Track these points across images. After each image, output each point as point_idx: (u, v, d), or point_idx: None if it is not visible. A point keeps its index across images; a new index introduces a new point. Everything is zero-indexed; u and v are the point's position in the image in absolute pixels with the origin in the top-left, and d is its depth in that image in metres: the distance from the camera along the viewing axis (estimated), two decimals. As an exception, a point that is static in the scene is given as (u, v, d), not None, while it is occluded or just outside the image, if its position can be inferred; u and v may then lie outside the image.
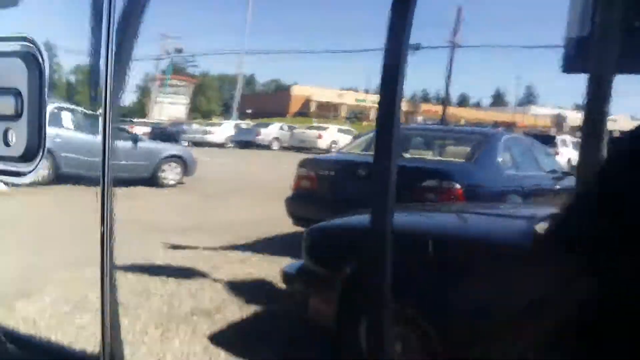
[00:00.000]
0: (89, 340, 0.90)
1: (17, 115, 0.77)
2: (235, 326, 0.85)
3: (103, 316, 0.86)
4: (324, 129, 0.82)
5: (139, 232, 0.95)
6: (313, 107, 0.82)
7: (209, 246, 0.88)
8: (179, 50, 0.84)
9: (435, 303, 0.75)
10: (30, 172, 0.81)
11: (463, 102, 0.81)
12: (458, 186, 0.81)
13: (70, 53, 0.86)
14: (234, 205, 0.89)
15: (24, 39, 0.77)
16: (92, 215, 0.82)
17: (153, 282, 0.94)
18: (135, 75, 0.82)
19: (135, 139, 0.92)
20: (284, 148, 0.83)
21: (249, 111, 0.88)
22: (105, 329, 0.86)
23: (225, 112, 0.91)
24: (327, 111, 0.83)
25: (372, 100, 0.78)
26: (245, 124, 0.88)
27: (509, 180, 0.84)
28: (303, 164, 0.79)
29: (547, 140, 0.82)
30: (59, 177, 0.88)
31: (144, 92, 0.91)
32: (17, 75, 0.76)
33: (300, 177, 0.78)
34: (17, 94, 0.76)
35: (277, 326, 0.85)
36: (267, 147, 0.84)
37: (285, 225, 0.81)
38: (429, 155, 0.86)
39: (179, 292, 0.92)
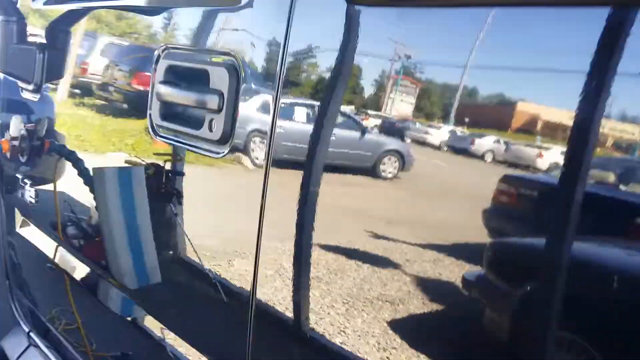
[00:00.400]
0: (281, 301, 1.11)
1: (219, 110, 1.04)
2: (415, 318, 0.94)
3: (295, 285, 1.08)
4: (547, 149, 0.84)
5: (347, 216, 1.06)
6: (539, 126, 0.84)
7: (408, 241, 0.96)
8: (408, 57, 0.97)
9: (609, 344, 0.77)
10: (224, 153, 1.08)
11: None
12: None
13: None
14: (439, 206, 0.95)
15: (228, 53, 1.06)
16: (295, 196, 1.03)
17: (349, 265, 1.03)
18: (371, 73, 1.01)
19: (364, 130, 1.05)
20: (497, 161, 0.86)
21: (467, 120, 0.93)
22: (295, 295, 1.08)
23: (445, 117, 0.96)
24: (554, 131, 0.84)
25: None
26: (460, 131, 0.93)
27: None
28: (506, 180, 0.84)
29: None
30: (274, 162, 1.08)
31: (380, 88, 1.03)
32: (222, 81, 1.04)
33: (500, 192, 0.83)
34: (220, 94, 1.04)
35: (453, 327, 0.92)
36: (481, 157, 0.88)
37: (480, 234, 0.85)
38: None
39: (371, 278, 1.00)
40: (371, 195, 1.07)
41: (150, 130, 1.19)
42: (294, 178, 1.06)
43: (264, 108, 1.01)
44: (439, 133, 0.96)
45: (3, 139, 1.62)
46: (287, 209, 1.07)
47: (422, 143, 0.98)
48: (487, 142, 0.88)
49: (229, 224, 1.25)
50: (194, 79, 1.10)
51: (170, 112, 1.15)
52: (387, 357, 0.97)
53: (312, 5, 1.01)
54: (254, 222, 1.09)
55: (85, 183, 1.54)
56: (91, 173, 1.52)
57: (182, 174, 1.31)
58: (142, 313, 1.42)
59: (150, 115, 1.17)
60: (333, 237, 1.07)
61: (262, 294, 1.13)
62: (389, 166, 1.05)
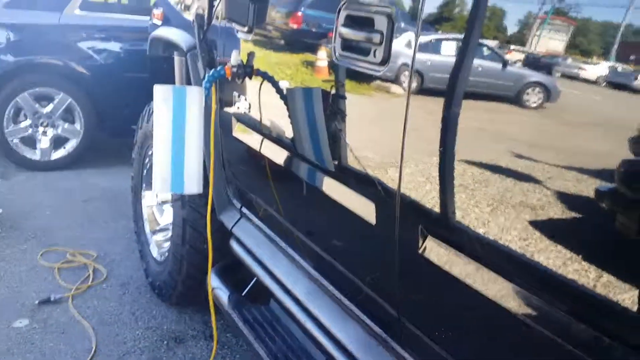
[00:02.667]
0: (429, 200, 1.40)
1: (380, 43, 1.48)
2: (553, 221, 1.09)
3: (441, 190, 1.36)
4: None
5: (486, 138, 1.26)
6: None
7: (547, 161, 1.10)
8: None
9: None
10: (383, 71, 1.50)
11: None
12: None
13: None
14: (580, 136, 1.05)
15: (386, 6, 1.49)
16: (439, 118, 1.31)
17: (493, 177, 1.22)
18: (518, 12, 1.17)
19: (505, 62, 1.17)
20: None
21: (632, 57, 0.93)
22: (442, 199, 1.36)
23: (605, 55, 0.98)
24: None
25: None
26: (622, 67, 0.94)
27: None
28: None
29: None
30: (424, 91, 1.42)
31: (525, 26, 1.16)
32: (383, 24, 1.48)
33: None
34: (381, 33, 1.48)
35: (586, 228, 1.08)
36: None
37: (616, 159, 0.95)
38: None
39: (513, 188, 1.16)
40: (513, 121, 1.21)
41: (334, 56, 1.71)
42: (439, 104, 1.31)
43: (409, 44, 1.46)
44: (595, 69, 1.02)
45: (227, 67, 2.22)
46: (434, 128, 1.32)
47: (574, 78, 1.07)
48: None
49: (382, 137, 1.60)
50: (364, 23, 1.57)
51: (347, 45, 1.67)
52: (527, 245, 1.15)
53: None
54: (398, 137, 1.42)
55: (281, 99, 2.13)
56: (285, 92, 2.12)
57: (345, 96, 1.74)
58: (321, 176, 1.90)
59: (334, 47, 1.72)
60: (478, 154, 1.25)
61: (407, 191, 1.43)
62: (532, 96, 1.16)
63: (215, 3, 2.55)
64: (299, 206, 2.19)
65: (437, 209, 1.38)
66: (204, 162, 2.33)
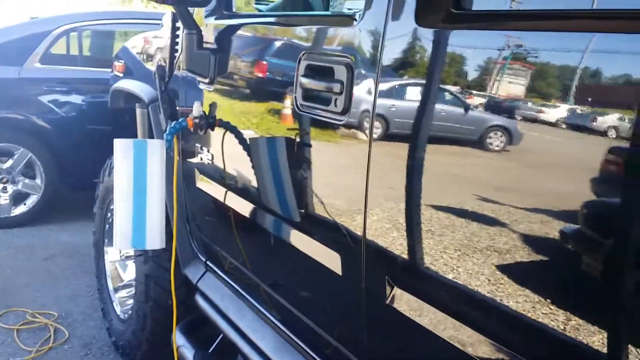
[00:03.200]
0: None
1: (340, 93, 1.49)
2: (521, 265, 1.08)
3: (407, 234, 1.35)
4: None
5: (452, 183, 1.26)
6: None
7: (512, 204, 1.11)
8: (519, 46, 1.09)
9: None
10: (343, 121, 1.50)
11: None
12: None
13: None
14: (544, 177, 1.07)
15: (346, 56, 1.51)
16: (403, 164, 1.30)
17: (457, 221, 1.22)
18: (477, 58, 1.20)
19: (467, 107, 1.20)
20: (622, 138, 0.91)
21: (589, 99, 0.96)
22: (409, 241, 1.35)
23: (564, 98, 1.01)
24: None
25: None
26: (580, 109, 0.98)
27: None
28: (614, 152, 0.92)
29: None
30: (388, 136, 1.41)
31: (485, 72, 1.18)
32: (343, 73, 1.49)
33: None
34: (341, 83, 1.49)
35: (552, 271, 1.08)
36: (604, 134, 0.93)
37: (581, 199, 0.98)
38: None
39: (480, 232, 1.16)
40: (476, 165, 1.22)
41: (295, 107, 1.70)
42: (402, 148, 1.33)
43: (369, 91, 1.45)
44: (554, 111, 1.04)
45: (189, 118, 2.20)
46: (398, 173, 1.34)
47: (535, 120, 1.07)
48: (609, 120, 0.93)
49: (347, 185, 1.59)
50: (323, 73, 1.58)
51: (308, 95, 1.66)
52: (496, 289, 1.14)
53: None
54: (361, 184, 1.42)
55: (245, 149, 2.10)
56: (248, 142, 2.09)
57: (309, 144, 1.73)
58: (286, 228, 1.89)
59: (295, 97, 1.71)
60: (444, 198, 1.26)
61: (373, 237, 1.42)
62: (494, 140, 1.17)
63: (177, 55, 2.54)
64: (265, 258, 2.15)
65: (404, 257, 1.36)
66: (167, 215, 2.27)
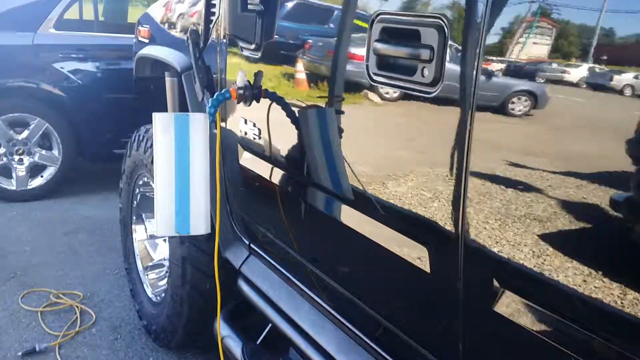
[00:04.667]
0: (442, 219, 1.30)
1: (430, 60, 1.28)
2: (563, 233, 1.06)
3: (454, 204, 1.26)
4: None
5: (490, 148, 1.21)
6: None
7: (544, 169, 1.09)
8: None
9: None
10: (433, 93, 1.30)
11: None
12: None
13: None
14: (572, 139, 1.06)
15: (437, 17, 1.28)
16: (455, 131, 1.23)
17: (496, 188, 1.17)
18: (507, 18, 1.15)
19: (489, 74, 1.18)
20: (638, 96, 0.93)
21: (604, 57, 0.99)
22: (456, 213, 1.26)
23: (584, 56, 1.03)
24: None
25: None
26: (599, 68, 0.99)
27: None
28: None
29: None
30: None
31: (510, 33, 1.15)
32: (432, 37, 1.28)
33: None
34: (431, 48, 1.27)
35: (598, 239, 1.05)
36: (620, 92, 0.96)
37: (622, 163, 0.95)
38: None
39: (517, 199, 1.14)
40: (503, 130, 1.20)
41: (368, 76, 1.47)
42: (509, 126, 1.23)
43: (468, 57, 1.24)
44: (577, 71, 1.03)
45: (232, 89, 1.98)
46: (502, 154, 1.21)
47: (560, 81, 1.06)
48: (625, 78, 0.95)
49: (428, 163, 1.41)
50: (407, 37, 1.35)
51: (384, 63, 1.43)
52: (542, 263, 1.10)
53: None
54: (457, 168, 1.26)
55: (292, 121, 1.89)
56: (296, 114, 1.88)
57: (381, 119, 1.57)
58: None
59: (367, 66, 1.49)
60: (483, 165, 1.21)
61: (474, 232, 1.27)
62: (518, 105, 1.16)
63: (213, 18, 2.30)
64: (317, 241, 1.95)
65: (513, 254, 1.17)
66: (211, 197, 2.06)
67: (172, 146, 1.87)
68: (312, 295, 1.95)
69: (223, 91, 1.96)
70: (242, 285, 2.28)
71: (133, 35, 3.62)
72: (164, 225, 1.88)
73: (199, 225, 1.92)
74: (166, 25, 3.15)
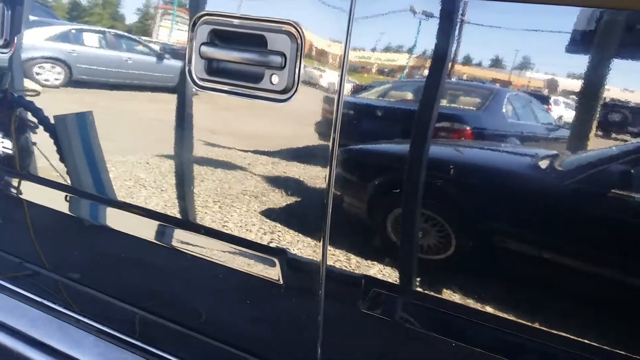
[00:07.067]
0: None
1: (282, 68, 1.22)
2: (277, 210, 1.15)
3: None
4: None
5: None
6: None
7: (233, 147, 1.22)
8: None
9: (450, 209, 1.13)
10: (285, 100, 1.24)
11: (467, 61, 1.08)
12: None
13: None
14: None
15: (290, 23, 1.22)
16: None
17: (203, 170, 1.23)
18: None
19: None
20: None
21: None
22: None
23: None
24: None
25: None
26: None
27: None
28: None
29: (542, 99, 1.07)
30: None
31: None
32: (285, 45, 1.21)
33: None
34: (283, 55, 1.22)
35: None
36: None
37: None
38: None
39: (227, 178, 1.20)
40: None
41: (192, 82, 1.32)
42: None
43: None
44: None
45: None
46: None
47: None
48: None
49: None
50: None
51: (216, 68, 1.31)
52: (275, 239, 1.17)
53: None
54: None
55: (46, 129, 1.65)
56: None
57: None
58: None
59: (190, 70, 1.32)
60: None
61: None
62: None
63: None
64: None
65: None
66: None
67: None
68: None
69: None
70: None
71: None
72: None
73: None
74: None
